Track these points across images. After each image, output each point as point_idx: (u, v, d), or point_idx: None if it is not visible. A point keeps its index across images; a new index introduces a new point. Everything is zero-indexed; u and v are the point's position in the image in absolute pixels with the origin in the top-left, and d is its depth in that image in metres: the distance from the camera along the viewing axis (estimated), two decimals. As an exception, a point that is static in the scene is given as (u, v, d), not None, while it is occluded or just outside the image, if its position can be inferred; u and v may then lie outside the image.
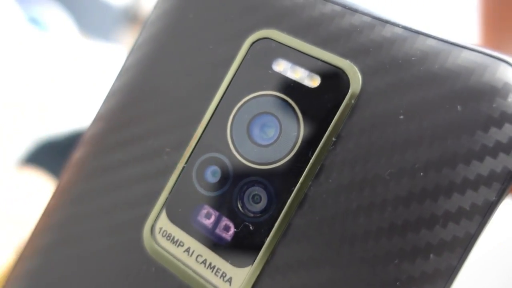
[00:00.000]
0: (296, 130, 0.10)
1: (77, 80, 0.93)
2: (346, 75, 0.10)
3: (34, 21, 0.87)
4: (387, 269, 0.09)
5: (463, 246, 0.09)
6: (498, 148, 0.09)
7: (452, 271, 0.09)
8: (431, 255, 0.09)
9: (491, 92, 0.09)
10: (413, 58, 0.10)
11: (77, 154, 0.13)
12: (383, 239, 0.09)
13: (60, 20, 0.90)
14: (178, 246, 0.11)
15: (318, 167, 0.10)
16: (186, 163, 0.11)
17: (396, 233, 0.09)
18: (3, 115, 0.81)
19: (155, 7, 0.13)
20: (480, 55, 0.10)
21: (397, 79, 0.10)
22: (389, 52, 0.10)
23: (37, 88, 0.85)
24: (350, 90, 0.10)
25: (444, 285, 0.09)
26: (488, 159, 0.09)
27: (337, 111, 0.10)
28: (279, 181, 0.10)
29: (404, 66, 0.10)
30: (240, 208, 0.11)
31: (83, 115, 0.95)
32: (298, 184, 0.10)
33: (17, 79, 0.82)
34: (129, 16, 0.82)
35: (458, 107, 0.09)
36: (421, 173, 0.09)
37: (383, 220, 0.09)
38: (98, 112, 0.13)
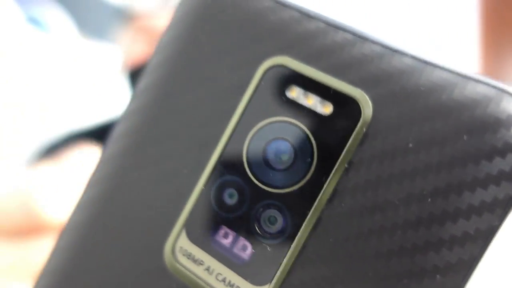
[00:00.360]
0: (310, 156, 0.11)
1: (76, 80, 0.93)
2: (358, 104, 0.11)
3: (34, 21, 0.87)
4: None
5: (467, 267, 0.10)
6: (501, 177, 0.10)
7: None
8: (438, 276, 0.10)
9: (495, 123, 0.10)
10: (421, 89, 0.10)
11: (94, 174, 0.13)
12: (393, 260, 0.10)
13: (60, 21, 0.90)
14: (198, 264, 0.11)
15: (331, 192, 0.11)
16: (204, 185, 0.12)
17: (405, 255, 0.10)
18: (3, 116, 0.81)
19: (169, 28, 0.14)
20: (485, 86, 0.10)
21: (406, 109, 0.10)
22: (399, 82, 0.11)
23: (37, 88, 0.85)
24: (361, 119, 0.11)
25: None
26: (492, 187, 0.10)
27: (349, 138, 0.11)
28: (294, 204, 0.11)
29: (413, 97, 0.10)
30: (257, 229, 0.11)
31: (82, 115, 0.95)
32: (313, 208, 0.11)
33: (17, 79, 0.82)
34: (125, 16, 0.82)
35: (465, 137, 0.10)
36: (429, 199, 0.10)
37: (393, 243, 0.10)
38: (114, 133, 0.14)
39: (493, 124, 0.10)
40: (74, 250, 0.13)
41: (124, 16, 0.77)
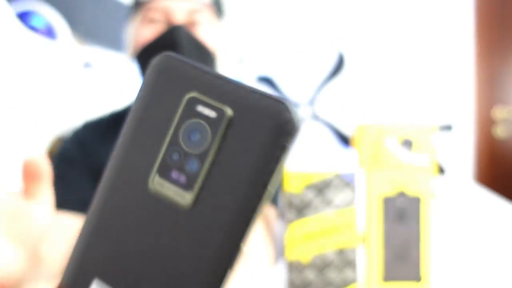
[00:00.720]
0: (207, 135, 0.21)
1: (76, 82, 1.02)
2: (224, 112, 0.20)
3: (32, 27, 0.95)
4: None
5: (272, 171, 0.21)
6: (282, 142, 0.20)
7: None
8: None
9: (281, 120, 0.19)
10: (245, 104, 0.21)
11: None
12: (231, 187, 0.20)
13: (59, 26, 0.97)
14: (164, 186, 0.25)
15: (214, 152, 0.21)
16: (163, 152, 0.21)
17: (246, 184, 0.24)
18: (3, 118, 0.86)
19: (144, 83, 0.23)
20: (272, 99, 0.20)
21: (241, 117, 0.22)
22: (241, 103, 0.21)
23: (35, 91, 0.90)
24: (225, 119, 0.20)
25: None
26: (280, 145, 0.20)
27: (220, 127, 0.21)
28: (200, 155, 0.21)
29: (243, 110, 0.20)
30: (187, 169, 0.21)
31: (81, 116, 1.03)
32: (209, 156, 0.21)
33: (16, 83, 0.87)
34: (134, 4, 0.82)
35: (266, 128, 0.20)
36: (253, 161, 0.22)
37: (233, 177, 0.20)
38: (121, 134, 0.23)
39: (280, 121, 0.20)
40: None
41: (132, 5, 0.81)
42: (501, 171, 2.56)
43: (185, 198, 0.21)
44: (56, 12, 0.97)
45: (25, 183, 0.30)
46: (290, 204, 0.57)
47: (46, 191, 0.31)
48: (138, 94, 0.23)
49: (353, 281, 0.58)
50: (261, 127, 0.20)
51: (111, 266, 0.21)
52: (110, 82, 1.70)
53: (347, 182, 0.57)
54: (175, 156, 0.21)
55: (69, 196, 0.67)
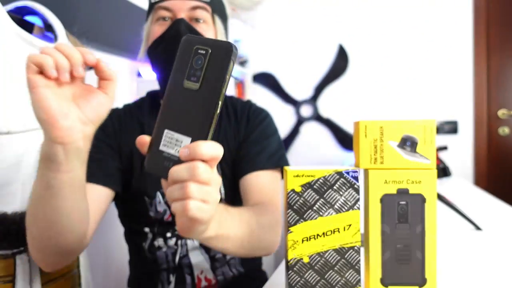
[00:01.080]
0: (204, 61, 0.47)
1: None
2: (208, 50, 0.47)
3: (30, 22, 0.94)
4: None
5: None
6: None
7: None
8: None
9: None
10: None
11: None
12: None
13: (56, 29, 0.96)
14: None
15: (206, 68, 0.47)
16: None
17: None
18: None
19: (179, 48, 0.49)
20: (224, 41, 0.47)
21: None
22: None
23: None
24: (208, 54, 0.47)
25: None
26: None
27: (207, 58, 0.47)
28: (201, 68, 0.47)
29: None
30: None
31: None
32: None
33: (16, 83, 0.87)
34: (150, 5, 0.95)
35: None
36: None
37: None
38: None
39: (229, 49, 0.47)
40: None
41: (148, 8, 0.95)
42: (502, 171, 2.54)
43: (196, 86, 0.47)
44: (52, 12, 0.96)
45: (99, 80, 0.56)
46: (291, 204, 0.55)
47: (113, 88, 0.57)
48: (177, 52, 0.48)
49: (355, 284, 0.56)
50: (223, 54, 0.46)
51: (171, 122, 0.47)
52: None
53: (349, 181, 0.55)
54: (192, 70, 0.47)
55: (94, 171, 0.81)
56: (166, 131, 0.47)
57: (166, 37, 0.88)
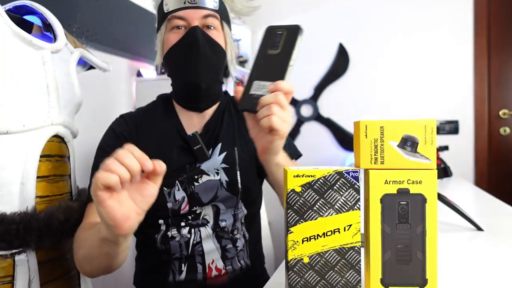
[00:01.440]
0: (282, 38, 0.73)
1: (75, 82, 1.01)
2: (284, 31, 0.72)
3: (29, 20, 0.94)
4: None
5: None
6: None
7: None
8: None
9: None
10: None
11: None
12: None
13: (56, 28, 0.96)
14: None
15: (284, 42, 0.71)
16: None
17: None
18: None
19: (263, 34, 0.73)
20: (295, 25, 0.72)
21: None
22: None
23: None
24: (285, 34, 0.71)
25: None
26: None
27: (284, 37, 0.71)
28: (279, 42, 0.72)
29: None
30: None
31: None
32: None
33: (16, 83, 0.86)
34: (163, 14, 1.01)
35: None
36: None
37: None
38: None
39: (298, 29, 0.71)
40: None
41: (159, 18, 1.02)
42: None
43: (276, 51, 0.70)
44: (51, 12, 0.96)
45: (151, 173, 0.65)
46: (291, 204, 0.55)
47: (161, 178, 0.67)
48: (263, 36, 0.72)
49: (356, 284, 0.55)
50: (293, 32, 0.70)
51: (259, 75, 0.70)
52: (107, 83, 1.68)
53: (349, 181, 0.55)
54: (273, 43, 0.71)
55: None
56: (255, 82, 0.69)
57: (184, 43, 0.96)
